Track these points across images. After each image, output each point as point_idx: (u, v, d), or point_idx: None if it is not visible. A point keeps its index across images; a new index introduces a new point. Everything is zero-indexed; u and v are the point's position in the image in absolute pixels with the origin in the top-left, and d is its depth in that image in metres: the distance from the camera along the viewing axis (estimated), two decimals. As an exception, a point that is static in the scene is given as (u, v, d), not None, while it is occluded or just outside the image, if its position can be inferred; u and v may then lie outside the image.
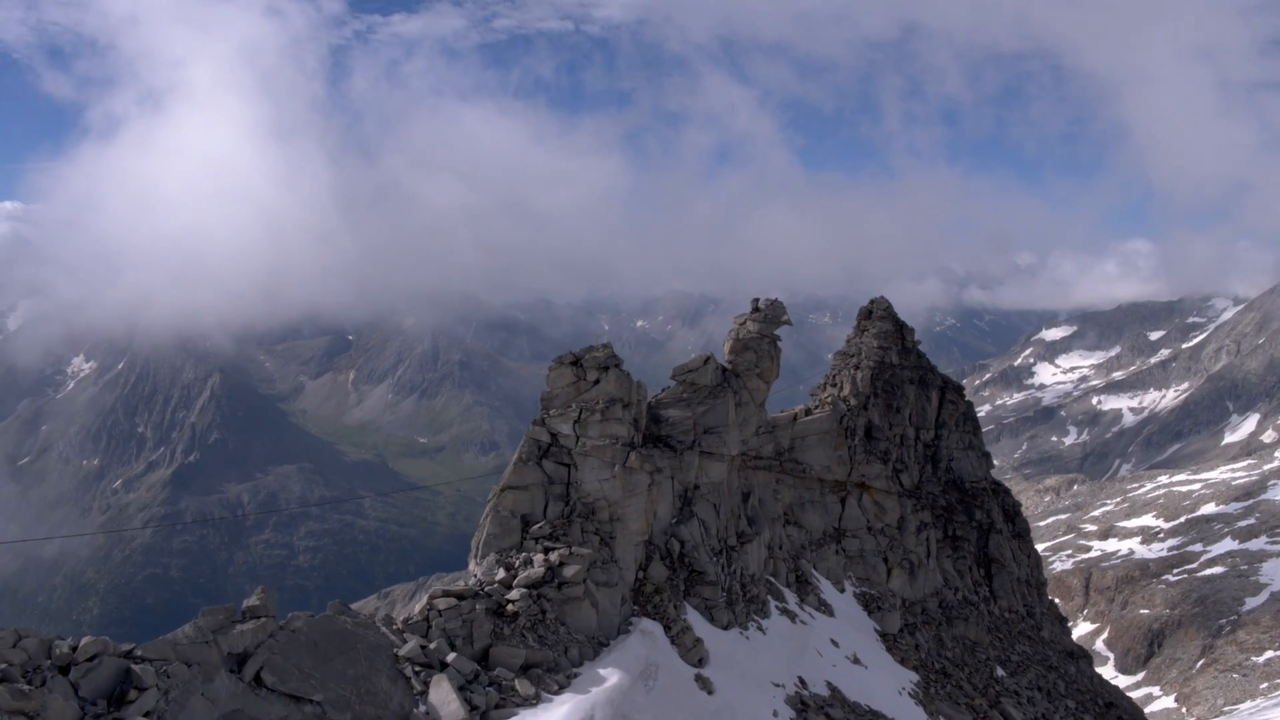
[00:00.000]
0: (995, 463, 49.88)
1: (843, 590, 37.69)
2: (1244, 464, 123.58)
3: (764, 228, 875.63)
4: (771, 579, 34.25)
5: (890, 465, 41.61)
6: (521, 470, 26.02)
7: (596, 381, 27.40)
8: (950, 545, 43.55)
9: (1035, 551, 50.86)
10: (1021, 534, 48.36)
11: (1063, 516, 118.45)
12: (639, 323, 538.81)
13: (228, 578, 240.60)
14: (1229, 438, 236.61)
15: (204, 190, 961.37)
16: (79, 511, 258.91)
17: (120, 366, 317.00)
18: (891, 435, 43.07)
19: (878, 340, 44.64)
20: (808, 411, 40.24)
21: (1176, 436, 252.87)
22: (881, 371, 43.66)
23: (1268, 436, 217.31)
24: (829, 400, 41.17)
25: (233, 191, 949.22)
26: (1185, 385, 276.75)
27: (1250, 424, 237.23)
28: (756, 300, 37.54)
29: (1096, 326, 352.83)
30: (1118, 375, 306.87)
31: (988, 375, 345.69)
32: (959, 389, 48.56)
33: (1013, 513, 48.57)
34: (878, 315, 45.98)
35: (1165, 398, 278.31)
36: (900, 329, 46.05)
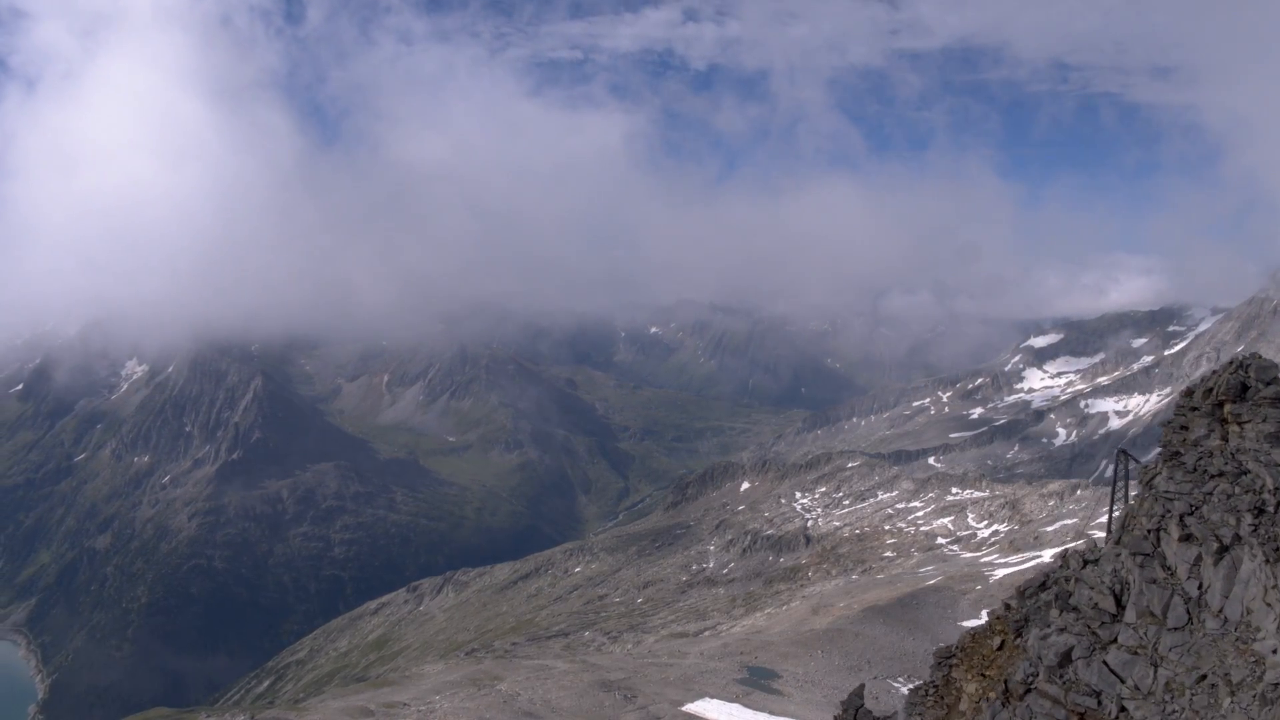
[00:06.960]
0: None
1: None
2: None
3: (771, 232, 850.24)
4: None
5: None
6: None
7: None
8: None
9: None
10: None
11: (1069, 521, 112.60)
12: (652, 329, 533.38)
13: (268, 569, 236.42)
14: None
15: (142, 147, 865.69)
16: (130, 505, 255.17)
17: (170, 370, 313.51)
18: None
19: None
20: None
21: (1160, 439, 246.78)
22: None
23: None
24: None
25: (177, 150, 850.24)
26: (1168, 390, 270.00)
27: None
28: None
29: (1081, 334, 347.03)
30: (1103, 380, 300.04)
31: (979, 380, 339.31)
32: None
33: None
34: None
35: (1149, 402, 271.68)
36: None
